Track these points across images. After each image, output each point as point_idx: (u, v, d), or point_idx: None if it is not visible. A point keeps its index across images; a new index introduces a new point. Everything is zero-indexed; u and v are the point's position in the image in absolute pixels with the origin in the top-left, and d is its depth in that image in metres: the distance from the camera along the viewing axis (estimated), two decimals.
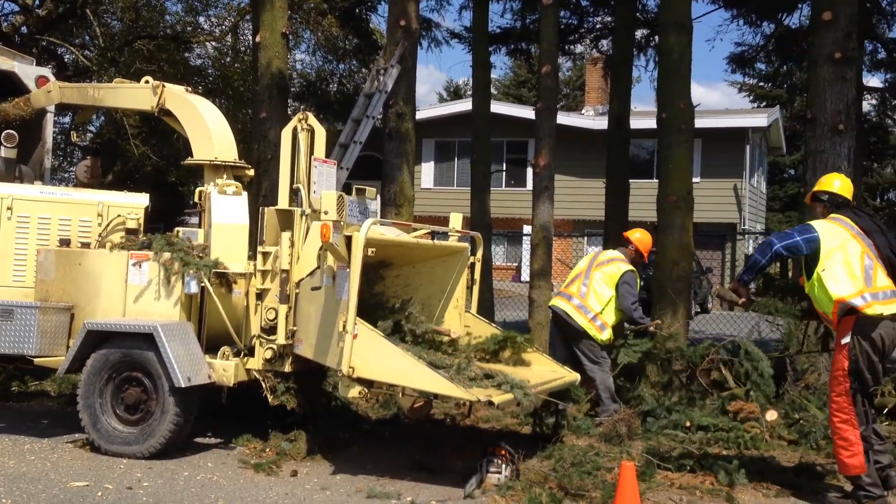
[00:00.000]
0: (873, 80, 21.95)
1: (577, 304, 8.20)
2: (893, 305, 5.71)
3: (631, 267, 8.35)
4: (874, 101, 22.05)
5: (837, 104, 8.84)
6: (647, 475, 6.19)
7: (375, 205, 7.44)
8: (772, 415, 7.68)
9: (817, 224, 5.96)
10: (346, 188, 7.85)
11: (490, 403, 5.81)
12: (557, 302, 8.42)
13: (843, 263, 5.75)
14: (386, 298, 7.25)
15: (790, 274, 10.39)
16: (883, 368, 5.88)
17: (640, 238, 8.64)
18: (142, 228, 7.68)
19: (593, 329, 8.15)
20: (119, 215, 7.72)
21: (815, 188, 6.33)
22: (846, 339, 5.71)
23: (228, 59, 23.54)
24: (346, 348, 5.93)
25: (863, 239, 5.83)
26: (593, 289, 8.24)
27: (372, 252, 6.26)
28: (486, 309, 11.25)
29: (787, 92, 22.89)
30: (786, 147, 33.24)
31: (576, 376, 7.35)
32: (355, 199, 6.86)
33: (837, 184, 6.17)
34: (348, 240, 6.11)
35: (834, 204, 6.09)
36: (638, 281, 8.47)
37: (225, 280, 7.03)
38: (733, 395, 8.17)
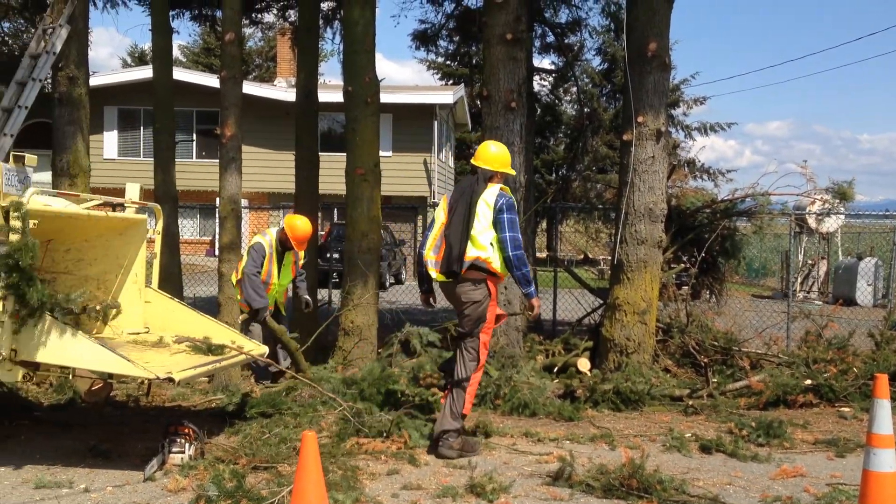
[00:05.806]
0: (545, 62, 23.71)
1: None
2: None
3: None
4: (547, 84, 23.84)
5: (510, 83, 9.38)
6: (337, 442, 6.28)
7: (44, 175, 6.85)
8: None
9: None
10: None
11: (170, 380, 5.57)
12: None
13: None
14: (54, 276, 6.71)
15: None
16: None
17: (289, 223, 8.98)
18: None
19: None
20: None
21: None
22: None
23: None
24: (6, 330, 5.40)
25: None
26: None
27: (34, 224, 5.74)
28: (174, 284, 10.80)
29: (471, 71, 24.02)
30: (471, 123, 35.03)
31: (264, 349, 7.24)
32: (13, 168, 6.25)
33: (493, 150, 6.52)
34: (6, 211, 5.57)
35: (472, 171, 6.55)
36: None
37: None
38: (420, 364, 8.54)
